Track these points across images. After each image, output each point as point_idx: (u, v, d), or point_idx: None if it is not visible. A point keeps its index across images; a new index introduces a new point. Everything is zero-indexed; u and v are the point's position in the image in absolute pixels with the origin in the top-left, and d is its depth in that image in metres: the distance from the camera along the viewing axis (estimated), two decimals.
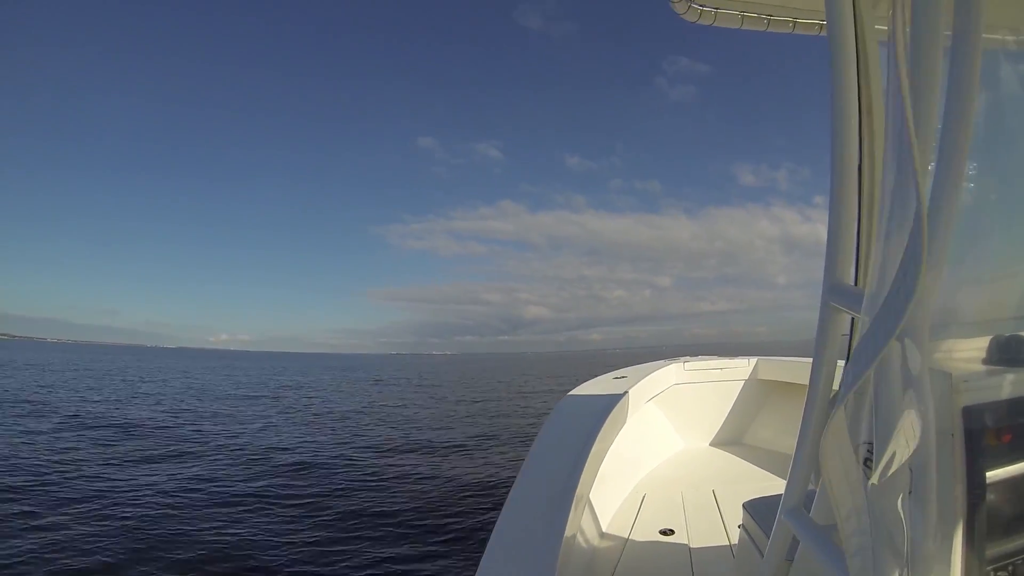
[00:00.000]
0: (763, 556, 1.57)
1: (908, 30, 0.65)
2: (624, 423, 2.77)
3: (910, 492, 0.68)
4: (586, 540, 2.23)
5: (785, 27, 1.69)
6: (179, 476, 7.07)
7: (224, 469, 7.63)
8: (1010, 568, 0.75)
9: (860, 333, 0.70)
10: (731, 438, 4.05)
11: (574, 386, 3.32)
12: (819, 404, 1.06)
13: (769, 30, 1.69)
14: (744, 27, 1.69)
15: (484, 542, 1.35)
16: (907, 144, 0.62)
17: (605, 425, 2.24)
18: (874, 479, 0.66)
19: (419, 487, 6.74)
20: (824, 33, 1.70)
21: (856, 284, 1.08)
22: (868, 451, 1.11)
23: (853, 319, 1.15)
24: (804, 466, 1.09)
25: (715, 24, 1.68)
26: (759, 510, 1.69)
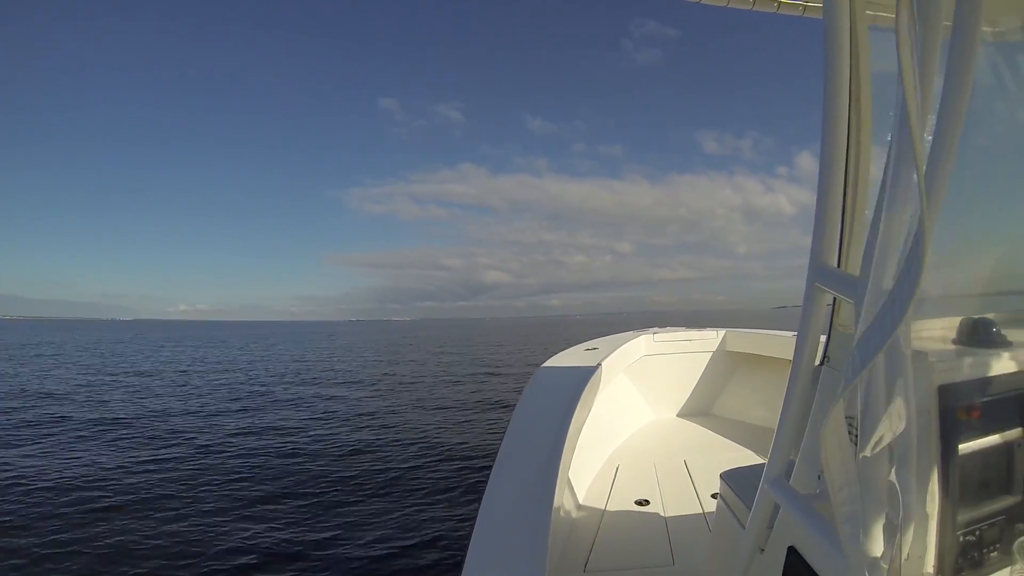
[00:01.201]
0: (741, 524, 1.64)
1: (913, 17, 0.66)
2: (596, 394, 2.82)
3: (893, 464, 0.73)
4: (566, 512, 2.29)
5: (770, 7, 1.68)
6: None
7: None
8: (977, 533, 0.83)
9: (860, 321, 0.73)
10: (700, 409, 4.18)
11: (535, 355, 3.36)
12: (802, 377, 1.11)
13: (754, 9, 1.68)
14: (731, 5, 1.68)
15: (468, 518, 1.35)
16: (908, 133, 0.64)
17: (581, 398, 2.28)
18: (865, 452, 0.71)
19: (399, 457, 6.77)
20: (807, 15, 1.72)
21: (838, 266, 1.12)
22: (851, 425, 1.18)
23: (835, 299, 1.21)
24: (787, 438, 1.14)
25: (702, 1, 1.67)
26: (736, 480, 1.75)
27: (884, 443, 0.71)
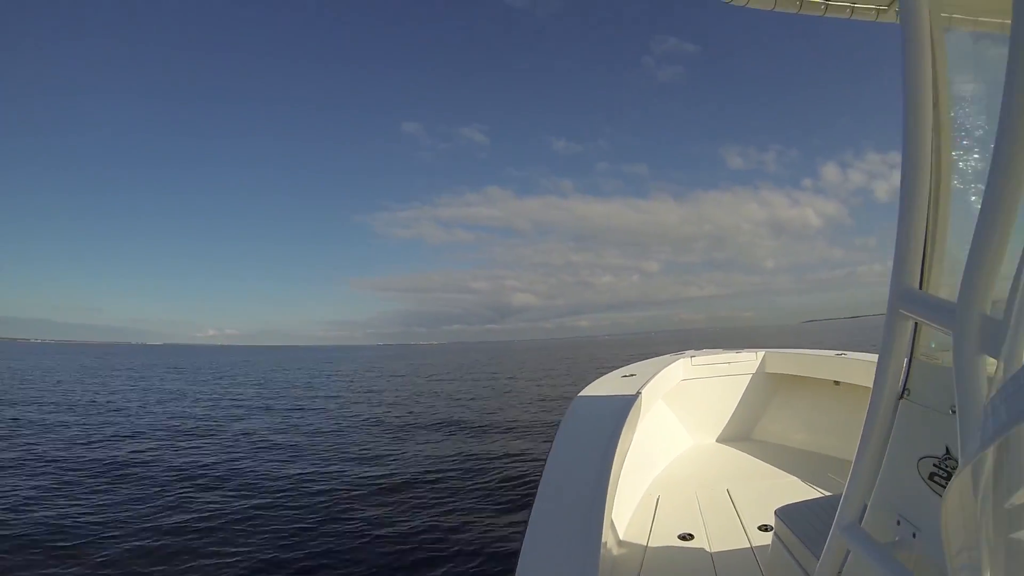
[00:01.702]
0: (800, 566, 1.52)
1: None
2: (636, 424, 2.71)
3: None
4: (607, 550, 2.17)
5: (816, 10, 1.60)
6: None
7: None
8: None
9: (999, 366, 0.61)
10: (740, 434, 4.02)
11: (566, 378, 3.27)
12: (883, 413, 1.02)
13: (801, 12, 1.61)
14: (777, 8, 1.61)
15: (509, 555, 1.29)
16: None
17: (622, 432, 2.17)
18: (977, 500, 0.60)
19: (434, 489, 6.56)
20: (854, 17, 1.63)
21: (920, 287, 1.02)
22: (935, 465, 1.06)
23: (916, 324, 1.10)
24: (864, 480, 1.04)
25: (749, 5, 1.60)
26: (793, 518, 1.65)
27: (989, 485, 0.59)
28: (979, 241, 0.69)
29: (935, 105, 1.02)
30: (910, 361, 1.14)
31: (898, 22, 0.93)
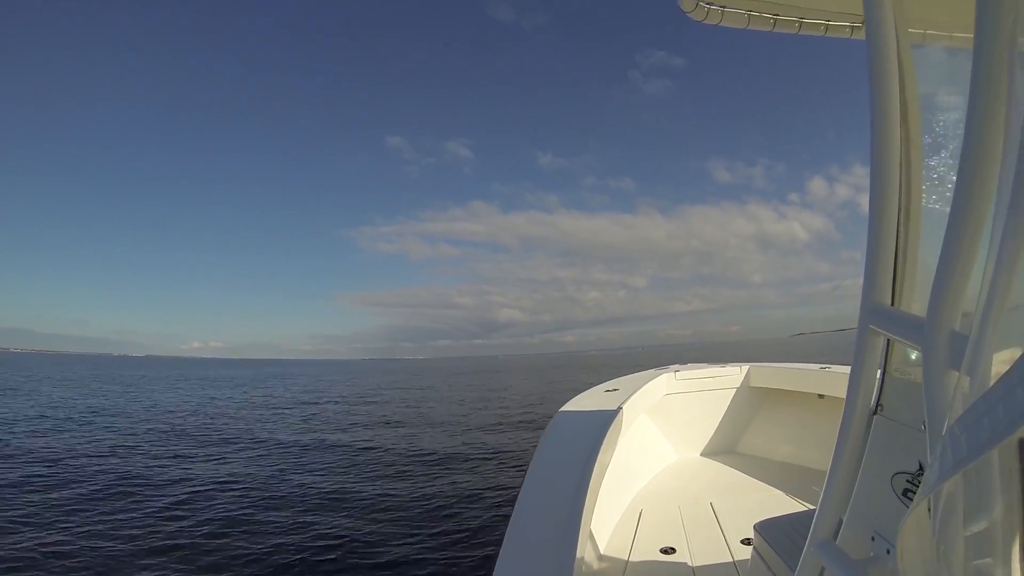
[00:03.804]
0: None
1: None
2: (618, 438, 2.70)
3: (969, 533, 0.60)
4: (587, 564, 2.14)
5: (790, 27, 1.63)
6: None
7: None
8: None
9: (964, 399, 0.58)
10: (724, 447, 4.02)
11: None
12: (855, 429, 1.00)
13: (775, 30, 1.63)
14: (750, 27, 1.63)
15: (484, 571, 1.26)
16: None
17: (603, 445, 2.16)
18: (937, 526, 0.57)
19: (409, 504, 6.44)
20: (828, 34, 1.66)
21: (892, 304, 1.01)
22: (908, 481, 1.05)
23: (888, 340, 1.09)
24: (837, 496, 1.03)
25: (722, 23, 1.61)
26: (771, 532, 1.64)
27: (959, 511, 0.56)
28: (947, 256, 0.68)
29: (905, 120, 1.02)
30: (883, 376, 1.13)
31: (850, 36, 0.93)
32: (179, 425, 13.56)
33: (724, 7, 1.58)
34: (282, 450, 10.10)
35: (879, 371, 1.13)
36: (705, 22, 1.61)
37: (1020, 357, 0.40)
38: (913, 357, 1.12)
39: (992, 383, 0.49)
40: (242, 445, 10.67)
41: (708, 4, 1.57)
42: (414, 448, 10.03)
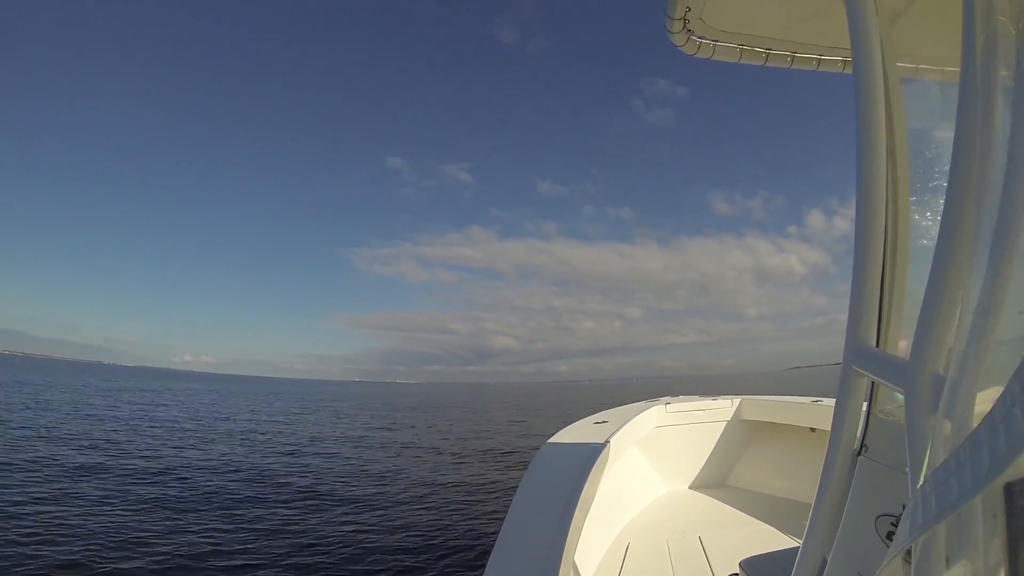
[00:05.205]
0: None
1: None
2: (604, 472, 2.65)
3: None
4: None
5: (783, 62, 1.64)
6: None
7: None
8: None
9: (946, 444, 0.55)
10: (715, 480, 3.96)
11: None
12: (838, 470, 0.99)
13: (768, 64, 1.64)
14: (742, 61, 1.64)
15: None
16: None
17: (589, 477, 2.12)
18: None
19: (387, 537, 6.20)
20: (821, 68, 1.67)
21: (877, 345, 0.99)
22: (892, 524, 1.01)
23: (873, 381, 1.07)
24: (820, 535, 1.01)
25: (713, 57, 1.63)
26: (757, 570, 1.60)
27: (938, 552, 0.53)
28: (930, 298, 0.67)
29: (892, 155, 1.01)
30: (868, 417, 1.10)
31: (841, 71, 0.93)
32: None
33: (716, 41, 1.60)
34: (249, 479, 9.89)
35: (864, 412, 1.10)
36: (697, 56, 1.62)
37: (991, 409, 0.37)
38: (892, 402, 1.11)
39: (975, 424, 0.46)
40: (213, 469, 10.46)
41: (700, 38, 1.59)
42: (398, 477, 9.75)
